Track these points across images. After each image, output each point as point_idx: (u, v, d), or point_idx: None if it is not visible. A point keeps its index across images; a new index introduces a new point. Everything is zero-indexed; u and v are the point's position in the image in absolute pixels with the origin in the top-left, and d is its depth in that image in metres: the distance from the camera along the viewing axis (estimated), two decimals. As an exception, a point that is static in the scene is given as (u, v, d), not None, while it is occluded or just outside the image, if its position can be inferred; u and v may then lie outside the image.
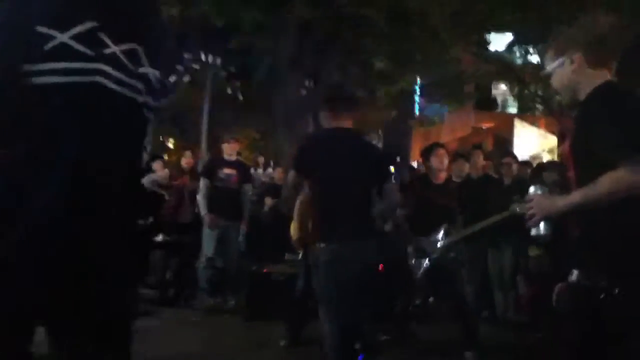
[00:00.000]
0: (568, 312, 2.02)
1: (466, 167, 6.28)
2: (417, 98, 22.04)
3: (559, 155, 12.41)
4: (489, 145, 18.85)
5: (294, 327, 4.93)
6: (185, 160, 6.95)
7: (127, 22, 1.71)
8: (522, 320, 5.78)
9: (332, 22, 11.26)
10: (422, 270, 4.87)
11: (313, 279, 3.54)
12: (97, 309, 1.55)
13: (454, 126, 21.31)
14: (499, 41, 16.05)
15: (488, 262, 6.08)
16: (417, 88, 20.25)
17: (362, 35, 11.68)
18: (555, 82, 2.16)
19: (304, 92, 13.26)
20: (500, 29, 13.41)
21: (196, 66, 13.65)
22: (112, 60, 1.63)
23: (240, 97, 15.02)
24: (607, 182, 1.82)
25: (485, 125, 20.64)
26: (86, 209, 1.54)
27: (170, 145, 22.87)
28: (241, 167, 6.88)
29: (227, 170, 6.61)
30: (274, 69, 12.09)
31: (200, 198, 6.53)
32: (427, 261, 4.84)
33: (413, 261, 4.90)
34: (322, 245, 3.24)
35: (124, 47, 1.67)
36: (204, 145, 14.61)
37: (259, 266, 6.03)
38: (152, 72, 1.77)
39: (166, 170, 7.16)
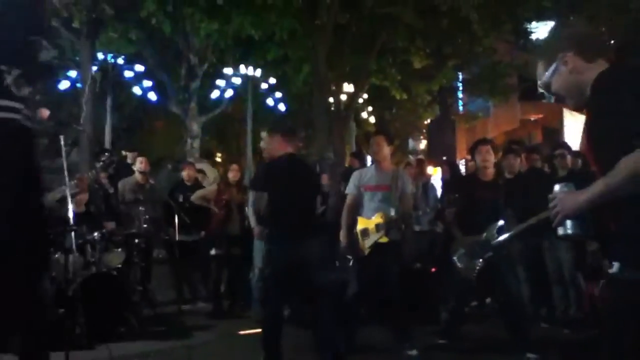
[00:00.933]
0: (610, 307, 1.93)
1: (517, 163, 6.08)
2: (459, 94, 21.73)
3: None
4: (537, 137, 18.37)
5: (347, 333, 4.90)
6: (232, 174, 7.04)
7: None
8: (582, 318, 5.57)
9: (365, 23, 11.24)
10: (475, 270, 4.76)
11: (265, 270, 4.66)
12: None
13: (500, 120, 20.85)
14: (542, 30, 15.64)
15: (545, 259, 5.89)
16: (459, 84, 19.95)
17: (396, 34, 11.61)
18: (557, 88, 2.09)
19: (343, 97, 13.26)
20: (540, 16, 13.07)
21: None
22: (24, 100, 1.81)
23: (283, 108, 15.15)
24: (626, 166, 1.74)
25: (533, 117, 20.11)
26: None
27: (218, 159, 23.26)
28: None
29: (272, 181, 6.66)
30: (313, 76, 12.13)
31: (249, 210, 6.59)
32: (480, 261, 4.73)
33: (465, 262, 4.80)
34: (273, 243, 4.38)
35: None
36: (249, 156, 14.80)
37: (310, 274, 6.02)
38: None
39: (214, 185, 7.27)
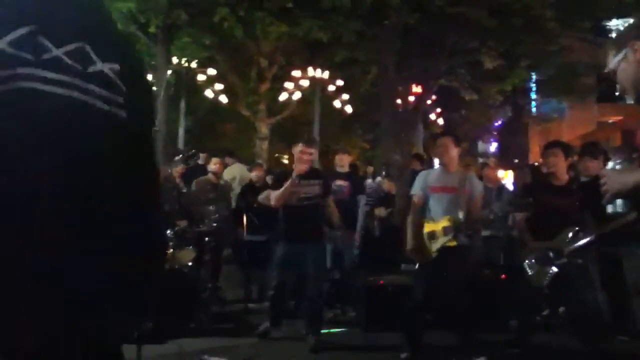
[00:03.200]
0: None
1: (593, 165, 5.81)
2: (532, 95, 21.03)
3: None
4: (616, 140, 17.50)
5: (413, 338, 4.84)
6: (298, 175, 7.11)
7: (71, 22, 1.55)
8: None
9: (435, 24, 11.07)
10: (547, 278, 4.59)
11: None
12: None
13: (576, 122, 20.00)
14: (622, 27, 14.91)
15: (624, 267, 5.58)
16: (532, 84, 19.32)
17: (466, 34, 11.36)
18: (622, 76, 2.00)
19: (411, 98, 13.13)
20: (620, 13, 12.45)
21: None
22: (53, 63, 1.47)
23: (349, 110, 15.18)
24: None
25: (612, 120, 19.17)
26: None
27: (285, 161, 23.58)
28: (353, 178, 6.93)
29: (339, 182, 6.68)
30: (381, 78, 12.08)
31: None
32: (552, 268, 4.56)
33: (537, 269, 4.64)
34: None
35: (70, 47, 1.51)
36: (316, 158, 14.89)
37: (375, 277, 6.01)
38: (108, 67, 1.58)
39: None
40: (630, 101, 2.09)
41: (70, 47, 1.49)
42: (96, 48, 1.54)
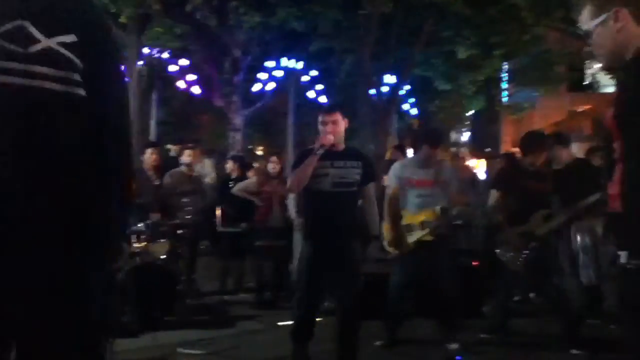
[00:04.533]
0: (621, 299, 1.83)
1: (564, 153, 5.90)
2: (504, 84, 21.22)
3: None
4: (587, 129, 17.79)
5: (390, 327, 4.88)
6: (272, 166, 7.08)
7: None
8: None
9: (412, 13, 11.09)
10: (520, 262, 4.66)
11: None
12: None
13: (548, 111, 20.26)
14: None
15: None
16: (505, 74, 19.49)
17: (443, 24, 11.41)
18: (597, 42, 1.90)
19: (387, 89, 13.16)
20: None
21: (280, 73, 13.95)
22: None
23: (325, 100, 15.16)
24: None
25: (581, 108, 19.48)
26: None
27: (259, 152, 23.47)
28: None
29: (313, 173, 6.65)
30: (357, 68, 12.07)
31: (290, 202, 6.64)
32: (524, 252, 4.62)
33: (510, 254, 4.70)
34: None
35: (6, 28, 1.36)
36: (290, 149, 14.87)
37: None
38: (58, 41, 1.40)
39: (254, 177, 7.33)
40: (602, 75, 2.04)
41: (6, 27, 1.35)
42: (40, 23, 1.38)
